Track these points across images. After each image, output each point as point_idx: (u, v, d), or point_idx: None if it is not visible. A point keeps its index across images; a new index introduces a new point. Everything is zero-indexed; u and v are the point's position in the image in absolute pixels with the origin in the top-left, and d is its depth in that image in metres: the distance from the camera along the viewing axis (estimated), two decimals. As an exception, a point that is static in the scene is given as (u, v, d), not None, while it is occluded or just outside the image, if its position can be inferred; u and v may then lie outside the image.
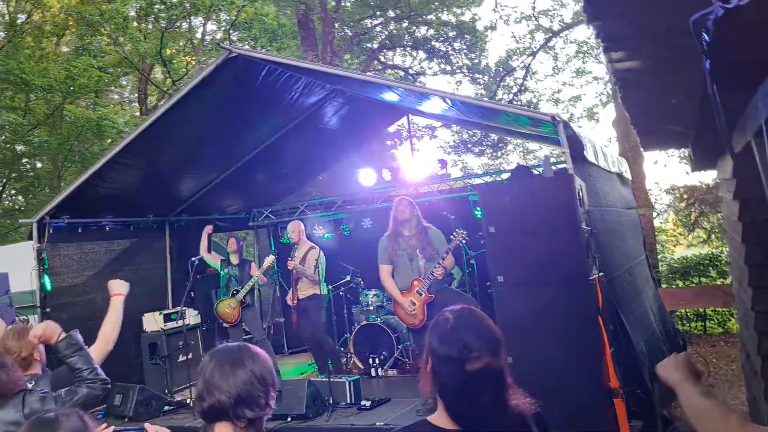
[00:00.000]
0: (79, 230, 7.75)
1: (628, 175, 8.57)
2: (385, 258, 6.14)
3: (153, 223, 8.85)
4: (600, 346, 4.53)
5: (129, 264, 8.39)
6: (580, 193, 4.72)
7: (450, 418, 1.77)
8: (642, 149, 8.39)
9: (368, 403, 6.17)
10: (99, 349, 3.38)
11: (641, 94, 3.97)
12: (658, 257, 13.16)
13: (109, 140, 17.90)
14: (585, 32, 18.54)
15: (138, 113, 22.79)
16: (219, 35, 23.18)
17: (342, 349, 8.69)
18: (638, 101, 4.15)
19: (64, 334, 3.07)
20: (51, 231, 7.37)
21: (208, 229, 8.44)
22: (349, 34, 16.14)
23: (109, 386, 3.10)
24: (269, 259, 7.81)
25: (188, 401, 6.90)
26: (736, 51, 2.91)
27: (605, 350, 4.57)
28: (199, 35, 22.92)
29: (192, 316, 8.30)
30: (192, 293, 8.04)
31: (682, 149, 9.11)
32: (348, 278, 8.83)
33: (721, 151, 4.98)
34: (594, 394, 4.44)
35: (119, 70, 21.19)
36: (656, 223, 15.44)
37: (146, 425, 2.35)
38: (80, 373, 2.96)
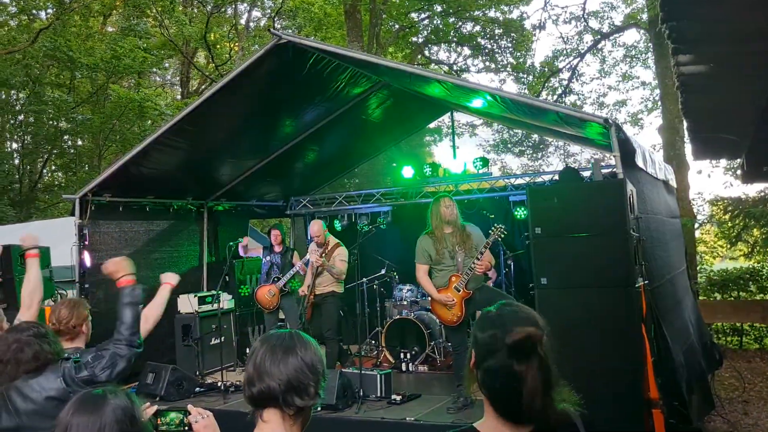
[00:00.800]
0: (120, 209, 7.86)
1: (674, 183, 8.39)
2: (422, 257, 6.10)
3: (192, 205, 8.93)
4: (642, 354, 4.45)
5: (166, 245, 8.50)
6: (631, 199, 4.62)
7: (498, 421, 1.71)
8: (692, 157, 8.20)
9: (398, 398, 6.16)
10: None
11: (703, 100, 3.86)
12: (699, 269, 12.88)
13: (150, 121, 18.19)
14: (634, 36, 18.18)
15: (179, 96, 23.08)
16: (263, 22, 23.34)
17: (373, 342, 8.69)
18: (698, 107, 4.05)
19: (132, 279, 3.24)
20: (93, 208, 7.46)
21: (245, 241, 8.53)
22: (395, 27, 16.06)
23: (139, 351, 3.15)
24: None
25: (219, 384, 6.97)
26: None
27: (647, 359, 4.48)
28: (243, 21, 23.08)
29: (226, 301, 8.36)
30: (227, 278, 8.10)
31: (733, 160, 8.89)
32: (383, 272, 8.80)
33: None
34: (634, 404, 4.36)
35: (163, 52, 21.42)
36: (697, 233, 15.12)
37: (189, 407, 2.36)
38: (120, 327, 3.05)
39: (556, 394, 1.70)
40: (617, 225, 4.43)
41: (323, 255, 7.32)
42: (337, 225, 9.79)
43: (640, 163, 5.61)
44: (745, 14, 2.48)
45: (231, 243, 7.84)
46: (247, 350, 7.24)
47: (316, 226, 7.58)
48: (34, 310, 3.63)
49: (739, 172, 7.13)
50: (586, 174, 7.23)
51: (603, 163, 6.84)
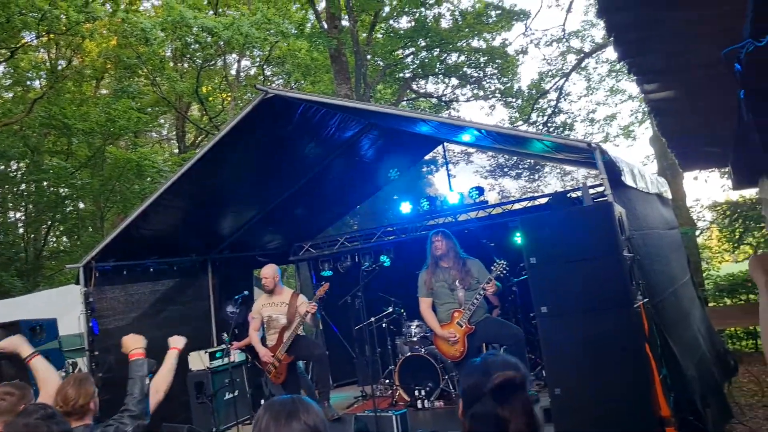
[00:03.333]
0: (124, 272, 7.93)
1: (668, 194, 8.46)
2: (424, 291, 6.19)
3: (196, 262, 9.03)
4: (649, 374, 4.47)
5: (173, 303, 8.56)
6: (620, 220, 4.70)
7: None
8: (681, 169, 8.30)
9: (415, 437, 6.16)
10: (150, 397, 3.51)
11: (676, 121, 3.98)
12: (704, 275, 12.87)
13: (149, 179, 18.42)
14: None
15: (176, 150, 23.39)
16: (253, 71, 23.75)
17: (387, 381, 8.68)
18: (673, 127, 4.16)
19: (142, 352, 3.41)
20: (97, 275, 7.54)
21: None
22: (382, 65, 16.37)
23: (146, 422, 3.24)
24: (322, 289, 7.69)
25: (236, 438, 6.97)
26: (770, 78, 2.92)
27: (654, 378, 4.51)
28: (233, 72, 23.49)
29: (236, 353, 8.39)
30: (236, 330, 8.14)
31: (722, 168, 8.98)
32: (390, 309, 8.85)
33: (762, 169, 4.92)
34: (646, 424, 4.37)
35: (157, 109, 21.84)
36: (700, 240, 15.12)
37: None
38: (128, 400, 3.15)
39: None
40: (609, 248, 4.50)
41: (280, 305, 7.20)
42: (341, 267, 9.86)
43: (628, 181, 5.69)
44: (695, 47, 2.59)
45: (237, 296, 7.89)
46: (262, 401, 7.24)
47: (269, 270, 7.32)
48: (52, 392, 3.69)
49: (729, 178, 7.20)
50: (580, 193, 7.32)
51: (592, 182, 6.94)
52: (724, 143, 4.82)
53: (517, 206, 8.80)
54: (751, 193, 12.79)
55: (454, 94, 19.49)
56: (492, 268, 6.06)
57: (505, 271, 6.05)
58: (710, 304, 11.38)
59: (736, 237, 13.87)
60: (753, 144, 3.16)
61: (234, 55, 22.51)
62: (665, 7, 2.20)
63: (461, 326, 5.94)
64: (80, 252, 17.44)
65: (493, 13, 17.57)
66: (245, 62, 23.95)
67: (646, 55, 2.62)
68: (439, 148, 12.11)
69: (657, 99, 3.41)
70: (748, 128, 3.14)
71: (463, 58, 17.77)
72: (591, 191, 6.43)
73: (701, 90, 3.40)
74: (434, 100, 19.76)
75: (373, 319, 8.71)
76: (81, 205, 22.28)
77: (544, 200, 8.61)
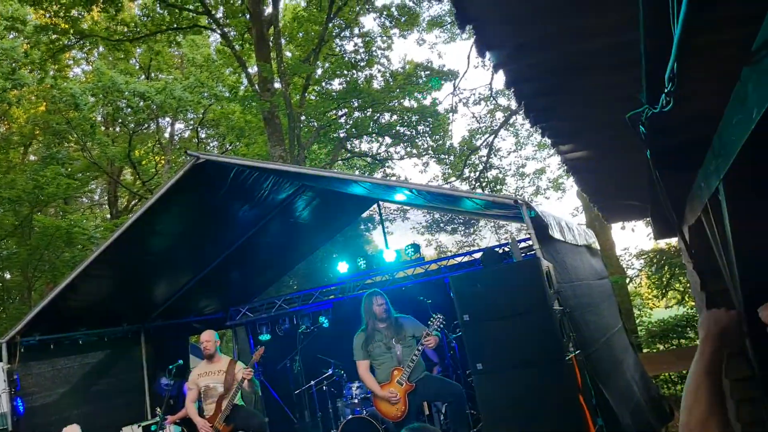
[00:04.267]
0: (52, 347, 7.57)
1: (596, 245, 8.75)
2: (360, 354, 6.18)
3: (128, 331, 8.72)
4: (584, 424, 4.54)
5: (104, 376, 8.21)
6: (548, 274, 4.83)
7: None
8: (606, 222, 8.63)
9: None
10: None
11: (593, 178, 4.17)
12: (636, 322, 13.24)
13: (80, 246, 17.83)
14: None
15: (109, 216, 22.81)
16: (187, 133, 23.64)
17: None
18: (591, 184, 4.35)
19: None
20: (22, 350, 7.19)
21: None
22: (316, 125, 16.57)
23: None
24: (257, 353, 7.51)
25: None
26: (673, 137, 3.12)
27: (590, 429, 4.57)
28: (167, 135, 23.32)
29: (172, 427, 8.06)
30: (171, 401, 7.84)
31: (643, 219, 9.37)
32: (330, 372, 8.72)
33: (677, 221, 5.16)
34: (583, 476, 4.41)
35: (88, 174, 21.34)
36: (630, 287, 15.62)
37: None
38: None
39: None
40: (539, 302, 4.61)
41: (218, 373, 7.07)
42: (280, 330, 9.70)
43: (556, 234, 5.88)
44: (601, 111, 2.76)
45: (171, 366, 7.63)
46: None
47: (208, 334, 7.22)
48: None
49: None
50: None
51: (523, 235, 7.13)
52: (641, 197, 5.06)
53: (452, 262, 8.92)
54: (673, 241, 13.39)
55: (388, 152, 19.85)
56: (429, 322, 6.10)
57: (442, 325, 6.10)
58: (644, 350, 11.67)
59: (664, 283, 14.39)
60: (664, 198, 3.33)
61: (167, 119, 22.41)
62: (569, 75, 2.34)
63: (401, 384, 5.92)
64: (6, 325, 16.57)
65: (422, 73, 18.14)
66: (179, 125, 23.87)
67: (556, 120, 2.76)
68: (375, 206, 12.24)
69: (573, 158, 3.58)
70: (658, 185, 3.32)
71: (395, 117, 18.20)
72: (521, 245, 6.59)
73: (613, 150, 3.59)
74: (369, 159, 20.05)
75: (313, 382, 8.56)
76: (7, 276, 21.32)
77: (478, 255, 8.77)
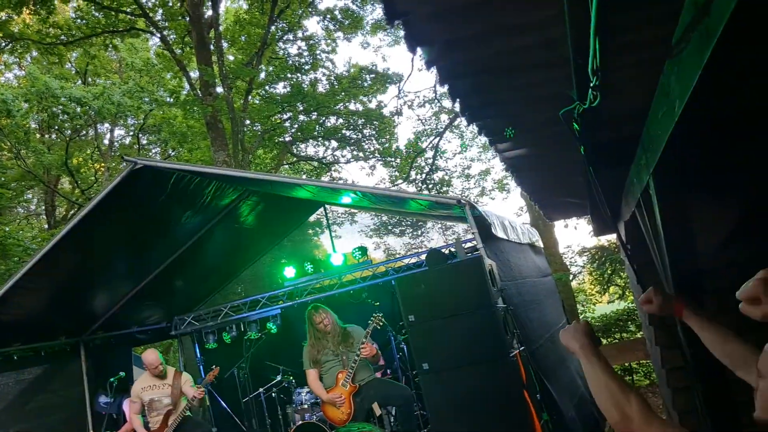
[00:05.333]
0: (-17, 363, 7.27)
1: (539, 243, 8.90)
2: (308, 363, 6.17)
3: (66, 345, 8.41)
4: (529, 420, 4.60)
5: (41, 392, 7.88)
6: (491, 273, 4.88)
7: None
8: (546, 219, 8.79)
9: None
10: None
11: (532, 176, 4.23)
12: (581, 317, 13.54)
13: (17, 258, 17.16)
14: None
15: (46, 226, 22.03)
16: (128, 140, 23.06)
17: (278, 453, 8.39)
18: (531, 182, 4.42)
19: None
20: (-48, 367, 6.88)
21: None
22: (260, 130, 16.39)
23: None
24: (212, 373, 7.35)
25: None
26: (605, 134, 3.19)
27: (535, 424, 4.64)
28: (107, 141, 22.69)
29: (115, 443, 7.82)
30: (114, 415, 7.61)
31: (582, 217, 9.59)
32: (279, 378, 8.61)
33: (614, 217, 5.29)
34: (530, 470, 4.47)
35: (23, 183, 20.56)
36: (574, 284, 15.99)
37: None
38: None
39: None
40: (482, 301, 4.66)
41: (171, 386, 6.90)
42: (227, 337, 9.51)
43: (499, 233, 5.95)
44: (535, 108, 2.79)
45: (112, 378, 7.40)
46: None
47: (152, 356, 7.00)
48: None
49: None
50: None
51: (469, 236, 7.19)
52: (580, 194, 5.16)
53: (400, 264, 8.92)
54: (613, 237, 13.76)
55: (335, 156, 19.81)
56: (369, 321, 6.10)
57: (381, 323, 6.11)
58: (588, 345, 11.94)
59: (606, 279, 14.77)
60: (598, 194, 3.40)
61: (106, 125, 21.82)
62: (502, 72, 2.36)
63: (345, 386, 5.90)
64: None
65: (367, 77, 18.18)
66: (119, 131, 23.26)
67: (491, 118, 2.78)
68: (322, 210, 12.17)
69: (511, 157, 3.62)
70: (593, 181, 3.39)
71: (341, 121, 18.18)
72: (466, 245, 6.64)
73: (551, 147, 3.64)
74: (315, 163, 19.97)
75: (261, 389, 8.44)
76: (-65, 292, 20.34)
77: (424, 257, 8.81)
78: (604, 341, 12.59)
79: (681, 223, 2.79)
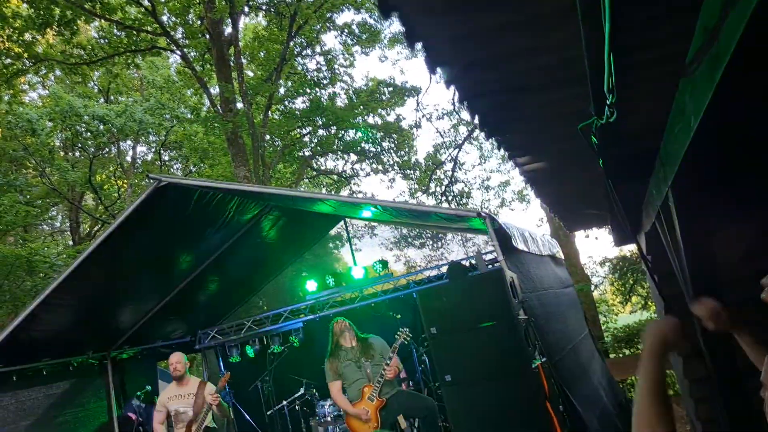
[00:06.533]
0: (14, 378, 7.37)
1: (560, 255, 8.89)
2: (332, 375, 6.21)
3: (93, 359, 8.55)
4: (552, 431, 4.60)
5: (70, 407, 8.01)
6: (512, 285, 4.90)
7: None
8: (567, 231, 8.78)
9: None
10: None
11: (551, 188, 4.26)
12: (603, 328, 13.44)
13: (42, 275, 17.44)
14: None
15: (71, 242, 22.38)
16: (150, 156, 23.39)
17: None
18: (550, 194, 4.45)
19: None
20: (-18, 383, 7.03)
21: None
22: (280, 145, 16.56)
23: None
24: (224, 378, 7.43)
25: None
26: (624, 148, 3.22)
27: (559, 435, 4.64)
28: (129, 158, 23.04)
29: (142, 455, 7.91)
30: (141, 429, 7.70)
31: (602, 228, 9.55)
32: (302, 391, 8.67)
33: (634, 228, 5.30)
34: (554, 483, 4.46)
35: (48, 201, 20.94)
36: (596, 294, 15.88)
37: None
38: None
39: None
40: (504, 312, 4.68)
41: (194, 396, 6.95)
42: (250, 351, 9.60)
43: (520, 245, 5.97)
44: (554, 124, 2.84)
45: (138, 392, 7.51)
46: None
47: (175, 357, 7.10)
48: None
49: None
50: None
51: (490, 248, 7.21)
52: (600, 206, 5.18)
53: (420, 276, 8.96)
54: (634, 247, 13.68)
55: (354, 169, 19.91)
56: (396, 336, 6.13)
57: (408, 338, 6.14)
58: (611, 356, 11.84)
59: (628, 289, 14.65)
60: (617, 206, 3.43)
61: (129, 142, 22.16)
62: (520, 91, 2.42)
63: (372, 401, 5.93)
64: (-36, 359, 16.10)
65: (385, 90, 18.30)
66: (141, 148, 23.61)
67: (511, 134, 2.83)
68: (342, 224, 12.26)
69: (530, 170, 3.66)
70: (612, 194, 3.42)
71: (359, 134, 18.30)
72: (487, 257, 6.67)
73: (570, 160, 3.69)
74: (335, 177, 20.09)
75: (285, 402, 8.49)
76: (-34, 308, 20.72)
77: (444, 269, 8.84)
78: (627, 352, 12.47)
79: (701, 234, 2.81)
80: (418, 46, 1.84)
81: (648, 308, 14.38)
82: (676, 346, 1.64)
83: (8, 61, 14.79)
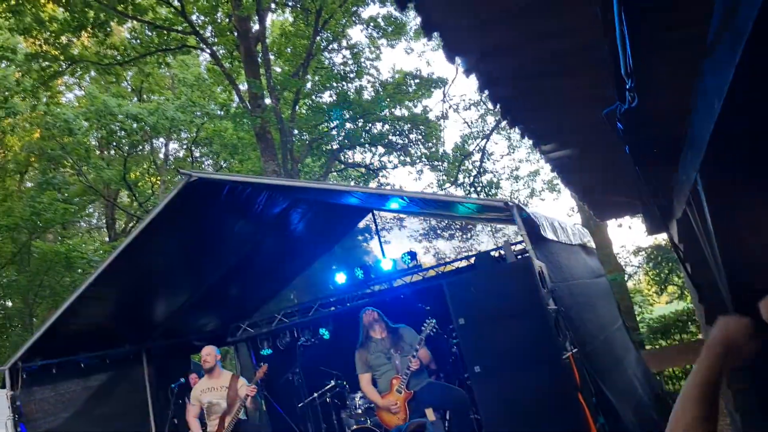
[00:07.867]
0: (54, 371, 7.57)
1: (591, 244, 8.77)
2: (362, 367, 6.23)
3: (129, 352, 8.73)
4: (584, 423, 4.55)
5: (107, 399, 8.20)
6: (541, 274, 4.86)
7: None
8: (597, 219, 8.66)
9: None
10: None
11: (579, 176, 4.20)
12: (638, 318, 13.23)
13: (80, 270, 17.86)
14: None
15: (107, 238, 22.84)
16: (182, 153, 23.72)
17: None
18: (578, 182, 4.39)
19: None
20: (24, 376, 7.19)
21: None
22: (308, 139, 16.64)
23: None
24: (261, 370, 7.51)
25: None
26: (650, 132, 3.16)
27: (591, 427, 4.58)
28: (162, 155, 23.40)
29: (176, 445, 8.06)
30: (175, 420, 7.84)
31: (634, 216, 9.39)
32: (333, 383, 8.71)
33: (666, 216, 5.20)
34: (586, 474, 4.42)
35: (84, 198, 21.39)
36: (630, 284, 15.63)
37: None
38: None
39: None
40: (533, 302, 4.64)
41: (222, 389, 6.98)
42: (281, 343, 9.68)
43: (549, 235, 5.90)
44: (577, 111, 2.80)
45: (173, 385, 7.63)
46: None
47: (206, 349, 7.11)
48: None
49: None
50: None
51: (518, 238, 7.15)
52: (630, 193, 5.09)
53: (449, 267, 8.94)
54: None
55: (381, 162, 19.90)
56: (422, 328, 6.13)
57: (434, 329, 6.13)
58: (647, 347, 11.66)
59: (663, 279, 14.39)
60: (645, 192, 3.37)
61: (161, 139, 22.49)
62: (540, 77, 2.39)
63: (400, 393, 5.94)
64: (9, 353, 16.56)
65: (412, 82, 18.24)
66: (173, 145, 23.95)
67: (534, 122, 2.80)
68: (371, 216, 12.28)
69: (556, 158, 3.61)
70: (639, 180, 3.36)
71: (387, 126, 18.28)
72: (516, 247, 6.62)
73: (595, 147, 3.63)
74: (363, 170, 20.11)
75: (316, 394, 8.54)
76: (8, 304, 21.33)
77: (473, 260, 8.79)
78: (663, 343, 12.27)
79: (732, 220, 2.74)
80: (435, 34, 1.83)
81: (684, 298, 14.11)
82: (739, 350, 1.45)
83: (46, 63, 15.12)
